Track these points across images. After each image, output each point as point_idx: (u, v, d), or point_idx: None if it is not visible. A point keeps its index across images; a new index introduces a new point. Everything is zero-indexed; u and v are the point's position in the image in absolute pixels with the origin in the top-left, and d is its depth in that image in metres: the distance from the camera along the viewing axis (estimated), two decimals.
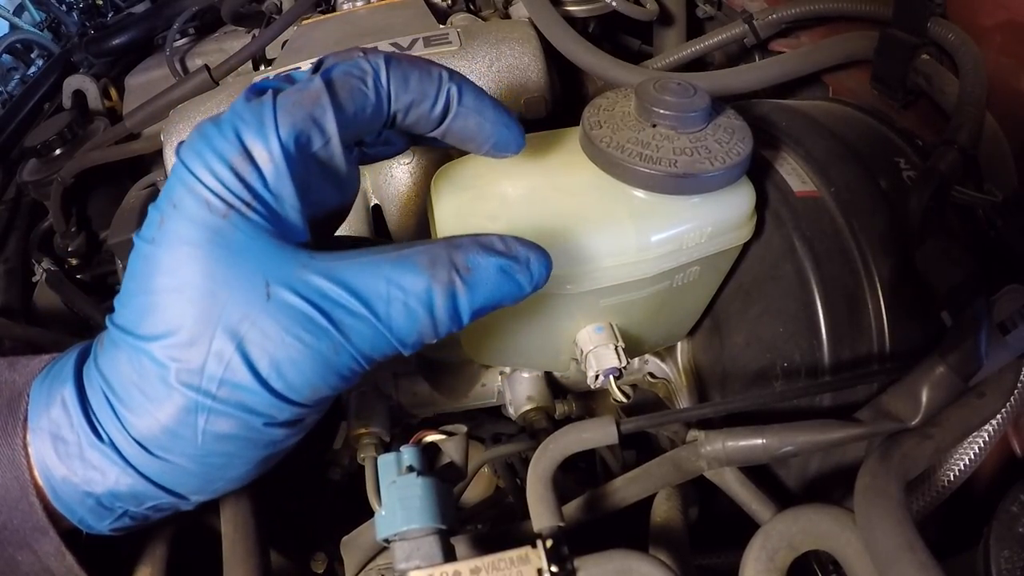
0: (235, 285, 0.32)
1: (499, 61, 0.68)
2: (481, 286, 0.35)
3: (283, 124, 0.33)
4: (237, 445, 0.34)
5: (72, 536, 0.36)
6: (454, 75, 0.39)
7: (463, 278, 0.34)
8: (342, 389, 0.35)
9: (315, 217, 0.37)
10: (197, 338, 0.32)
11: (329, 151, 0.35)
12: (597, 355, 0.49)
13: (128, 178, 0.93)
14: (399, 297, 0.33)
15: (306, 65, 0.70)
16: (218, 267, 0.32)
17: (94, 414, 0.34)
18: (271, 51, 0.88)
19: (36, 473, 0.34)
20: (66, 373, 0.36)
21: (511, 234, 0.37)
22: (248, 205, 0.33)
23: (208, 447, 0.34)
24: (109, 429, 0.34)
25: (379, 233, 0.73)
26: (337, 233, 0.44)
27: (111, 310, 0.36)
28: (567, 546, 0.36)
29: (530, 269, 0.36)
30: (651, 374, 0.69)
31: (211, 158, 0.33)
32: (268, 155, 0.33)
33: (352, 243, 0.44)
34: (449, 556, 0.39)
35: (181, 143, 0.35)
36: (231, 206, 0.33)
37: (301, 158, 0.34)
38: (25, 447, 0.34)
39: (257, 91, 0.36)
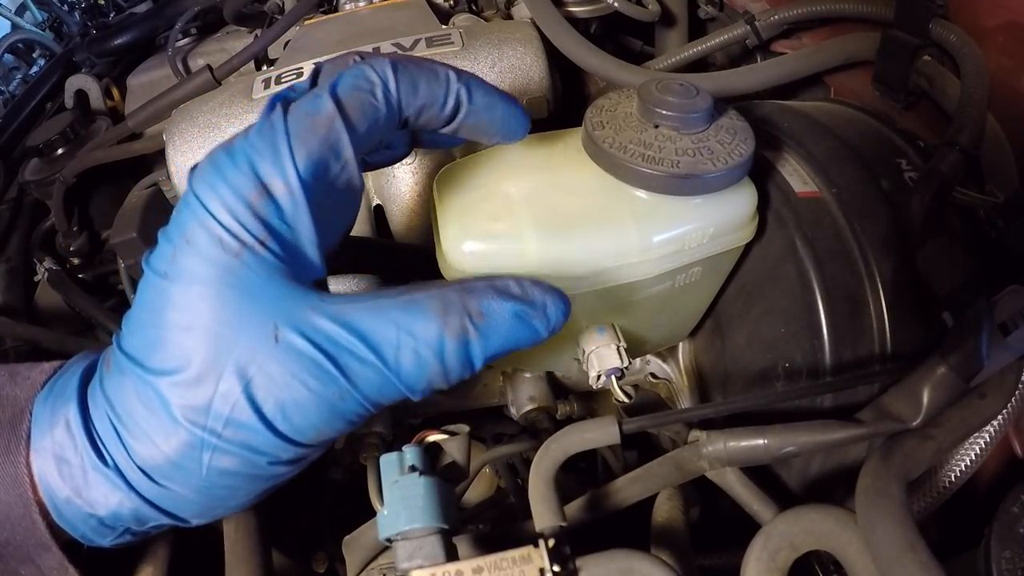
0: (244, 327, 0.32)
1: (501, 62, 0.68)
2: (495, 333, 0.34)
3: (299, 154, 0.33)
4: (240, 480, 0.34)
5: (73, 547, 0.36)
6: (462, 75, 0.39)
7: (476, 325, 0.33)
8: (347, 432, 0.35)
9: (326, 241, 0.36)
10: (205, 377, 0.32)
11: (347, 174, 0.35)
12: (599, 355, 0.50)
13: (130, 178, 0.94)
14: (409, 344, 0.33)
15: (308, 66, 0.70)
16: (228, 309, 0.32)
17: (99, 437, 0.34)
18: (273, 51, 0.88)
19: (39, 491, 0.34)
20: (70, 392, 0.35)
21: (528, 275, 0.36)
22: (262, 243, 0.32)
23: (212, 480, 0.34)
24: (114, 454, 0.34)
25: (381, 233, 0.73)
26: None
27: (118, 328, 0.36)
28: (569, 546, 0.37)
29: (547, 314, 0.35)
30: (653, 374, 0.70)
31: (226, 193, 0.32)
32: (286, 188, 0.33)
33: (355, 243, 0.44)
34: (451, 556, 0.39)
35: (194, 169, 0.34)
36: (244, 243, 0.32)
37: (319, 187, 0.34)
38: (28, 465, 0.34)
39: (271, 105, 0.35)
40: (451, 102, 0.38)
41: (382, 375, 0.33)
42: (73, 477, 0.34)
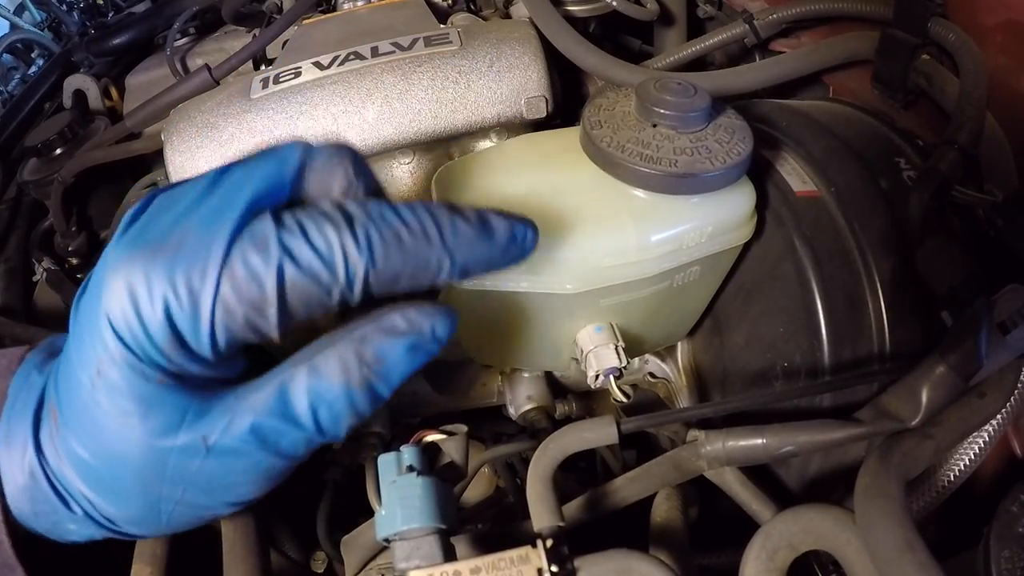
0: (176, 442, 0.33)
1: (499, 61, 0.68)
2: (394, 370, 0.35)
3: (219, 329, 0.31)
4: (198, 521, 0.38)
5: (41, 569, 0.38)
6: (457, 255, 0.35)
7: (376, 371, 0.35)
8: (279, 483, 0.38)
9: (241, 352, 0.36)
10: (148, 485, 0.34)
11: (266, 339, 0.34)
12: (597, 355, 0.49)
13: (129, 177, 0.93)
14: (323, 407, 0.34)
15: (307, 66, 0.70)
16: (156, 428, 0.33)
17: (63, 490, 0.35)
18: (272, 51, 0.88)
19: (13, 517, 0.36)
20: (25, 434, 0.35)
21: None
22: (180, 374, 0.33)
23: (174, 525, 0.37)
24: (81, 504, 0.35)
25: None
26: None
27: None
28: (567, 546, 0.36)
29: (436, 336, 0.36)
30: (651, 374, 0.69)
31: (140, 335, 0.31)
32: (199, 351, 0.32)
33: None
34: (449, 556, 0.39)
35: (110, 268, 0.31)
36: (165, 372, 0.32)
37: (231, 351, 0.34)
38: None
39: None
40: (439, 284, 0.36)
41: (307, 439, 0.35)
42: (47, 515, 0.36)
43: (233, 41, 1.07)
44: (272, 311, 0.32)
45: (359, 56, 0.70)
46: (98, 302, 0.32)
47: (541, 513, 0.39)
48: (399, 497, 0.40)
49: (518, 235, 0.37)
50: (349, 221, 0.33)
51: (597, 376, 0.49)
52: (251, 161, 0.34)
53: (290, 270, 0.31)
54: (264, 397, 0.34)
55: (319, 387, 0.34)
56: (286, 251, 0.31)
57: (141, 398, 0.32)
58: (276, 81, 0.70)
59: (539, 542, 0.36)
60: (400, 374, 0.35)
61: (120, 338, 0.31)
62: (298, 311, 0.33)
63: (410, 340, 0.35)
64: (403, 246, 0.33)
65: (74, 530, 0.36)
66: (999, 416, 0.42)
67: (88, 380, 0.32)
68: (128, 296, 0.31)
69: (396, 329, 0.35)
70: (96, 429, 0.33)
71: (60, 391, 0.35)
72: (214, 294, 0.31)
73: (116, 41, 1.18)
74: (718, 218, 0.46)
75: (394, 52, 0.70)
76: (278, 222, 0.32)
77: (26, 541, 0.37)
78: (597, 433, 0.42)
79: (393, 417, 0.67)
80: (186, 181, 0.34)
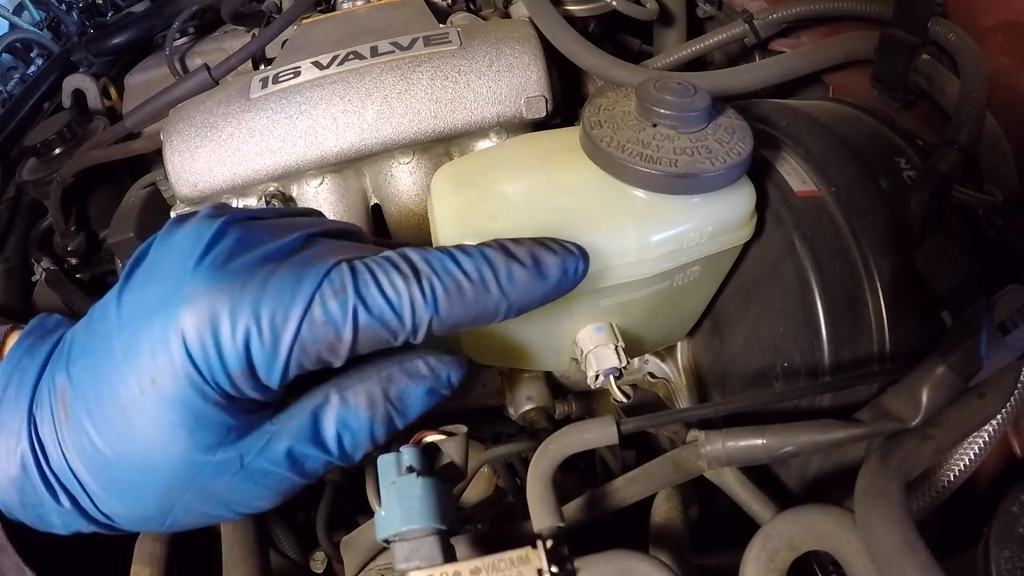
0: (213, 457, 0.35)
1: (499, 60, 0.68)
2: (412, 408, 0.39)
3: (294, 363, 0.34)
4: (201, 525, 0.39)
5: (31, 548, 0.39)
6: (513, 299, 0.37)
7: (397, 408, 0.39)
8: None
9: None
10: (173, 488, 0.35)
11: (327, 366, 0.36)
12: (597, 355, 0.49)
13: (128, 177, 0.93)
14: (348, 436, 0.38)
15: (307, 65, 0.70)
16: (198, 449, 0.34)
17: (59, 484, 0.35)
18: (271, 50, 0.88)
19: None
20: (20, 422, 0.35)
21: (435, 353, 0.40)
22: (238, 399, 0.34)
23: (175, 527, 0.38)
24: (80, 499, 0.36)
25: (379, 233, 0.73)
26: None
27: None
28: (567, 546, 0.36)
29: (450, 382, 0.40)
30: (651, 374, 0.69)
31: (215, 363, 0.33)
32: (267, 381, 0.34)
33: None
34: (449, 556, 0.39)
35: (190, 298, 0.32)
36: (223, 394, 0.34)
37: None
38: None
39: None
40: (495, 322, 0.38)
41: (327, 461, 0.38)
42: (34, 507, 0.36)
43: (232, 41, 1.07)
44: (344, 350, 0.34)
45: (358, 56, 0.70)
46: (172, 317, 0.33)
47: (541, 513, 0.39)
48: (399, 498, 0.40)
49: (569, 270, 0.39)
50: (416, 273, 0.35)
51: (597, 376, 0.49)
52: (335, 238, 0.38)
53: (363, 317, 0.34)
54: (299, 423, 0.37)
55: (347, 417, 0.38)
56: (361, 300, 0.34)
57: (193, 414, 0.33)
58: (275, 81, 0.70)
59: (539, 543, 0.36)
60: (416, 412, 0.40)
61: (191, 357, 0.32)
62: (364, 349, 0.35)
63: (429, 384, 0.39)
64: (464, 296, 0.36)
65: (59, 524, 0.37)
66: (999, 416, 0.42)
67: (137, 386, 0.33)
68: (210, 321, 0.32)
69: (418, 374, 0.39)
70: (130, 433, 0.34)
71: (80, 382, 0.35)
72: (295, 335, 0.33)
73: (115, 41, 1.18)
74: (718, 218, 0.46)
75: (393, 52, 0.70)
76: (352, 271, 0.35)
77: (17, 524, 0.38)
78: (597, 433, 0.42)
79: None
80: (265, 226, 0.37)
